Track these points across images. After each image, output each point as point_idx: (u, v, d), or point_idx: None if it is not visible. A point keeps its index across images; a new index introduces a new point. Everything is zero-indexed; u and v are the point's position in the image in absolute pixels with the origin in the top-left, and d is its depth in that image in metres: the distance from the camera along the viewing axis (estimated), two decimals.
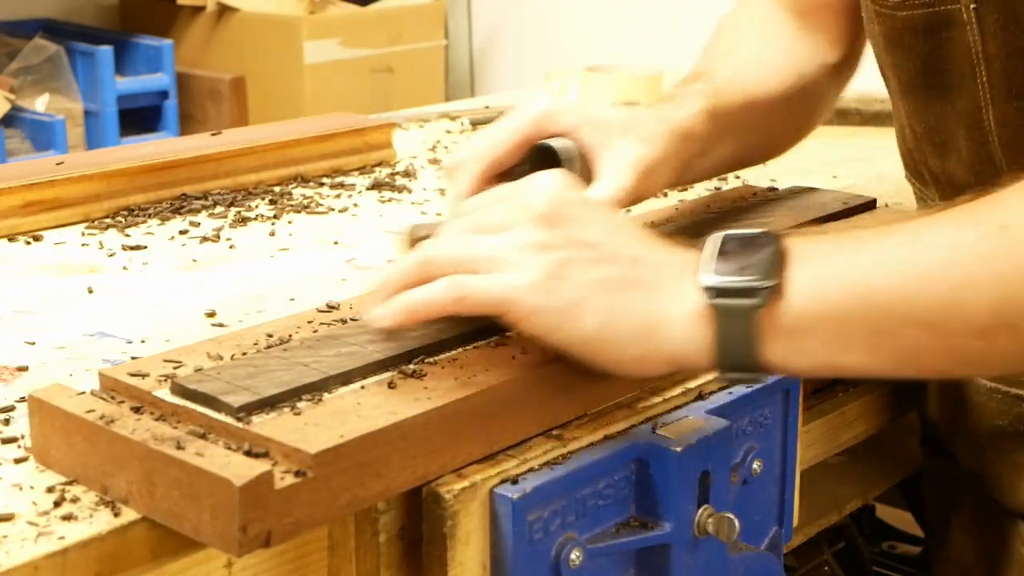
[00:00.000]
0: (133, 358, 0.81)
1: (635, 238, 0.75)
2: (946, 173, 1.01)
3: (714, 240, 0.74)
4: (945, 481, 1.14)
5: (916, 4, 0.95)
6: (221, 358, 0.75)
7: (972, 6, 0.91)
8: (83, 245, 1.10)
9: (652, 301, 0.72)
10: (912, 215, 0.79)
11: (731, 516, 0.78)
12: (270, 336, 0.79)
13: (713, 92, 1.01)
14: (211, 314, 0.93)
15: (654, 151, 0.94)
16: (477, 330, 0.79)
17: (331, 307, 0.83)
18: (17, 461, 0.70)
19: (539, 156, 0.92)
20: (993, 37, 0.91)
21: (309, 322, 0.81)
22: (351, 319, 0.82)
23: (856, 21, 1.10)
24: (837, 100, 1.20)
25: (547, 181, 0.77)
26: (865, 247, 0.72)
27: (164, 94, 3.20)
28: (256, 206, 1.22)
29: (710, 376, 0.85)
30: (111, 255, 1.07)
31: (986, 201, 0.72)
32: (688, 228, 1.01)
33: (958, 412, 1.08)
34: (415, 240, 0.86)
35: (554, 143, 0.92)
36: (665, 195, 1.28)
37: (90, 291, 0.98)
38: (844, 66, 1.15)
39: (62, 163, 1.20)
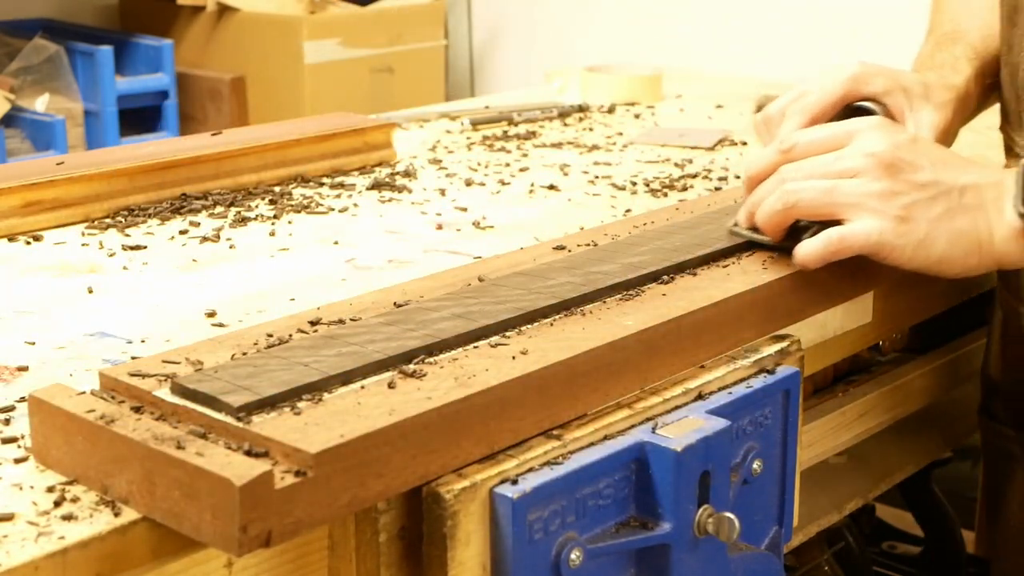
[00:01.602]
0: (133, 358, 0.81)
1: (959, 168, 0.92)
2: None
3: (1019, 172, 0.91)
4: (1003, 451, 1.22)
5: None
6: (221, 358, 0.75)
7: None
8: (83, 245, 1.10)
9: (980, 221, 0.91)
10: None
11: (731, 516, 0.78)
12: (270, 336, 0.79)
13: (975, 54, 1.14)
14: (211, 314, 0.93)
15: (946, 117, 1.06)
16: (477, 330, 0.79)
17: (313, 323, 0.82)
18: (17, 461, 0.70)
19: (853, 115, 1.02)
20: None
21: (309, 322, 0.81)
22: (351, 319, 0.82)
23: None
24: None
25: (881, 129, 0.92)
26: None
27: (164, 94, 3.20)
28: (256, 206, 1.22)
29: (710, 376, 0.85)
30: (111, 255, 1.07)
31: None
32: (689, 227, 1.01)
33: (1019, 364, 1.17)
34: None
35: (868, 106, 1.04)
36: (665, 195, 1.28)
37: (90, 291, 0.98)
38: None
39: (62, 163, 1.20)
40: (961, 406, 1.35)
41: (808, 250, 0.91)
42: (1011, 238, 0.91)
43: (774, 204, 0.92)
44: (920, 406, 1.30)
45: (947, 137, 1.07)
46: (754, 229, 0.97)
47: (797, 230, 0.94)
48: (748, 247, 0.97)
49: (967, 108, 1.12)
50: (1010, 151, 1.16)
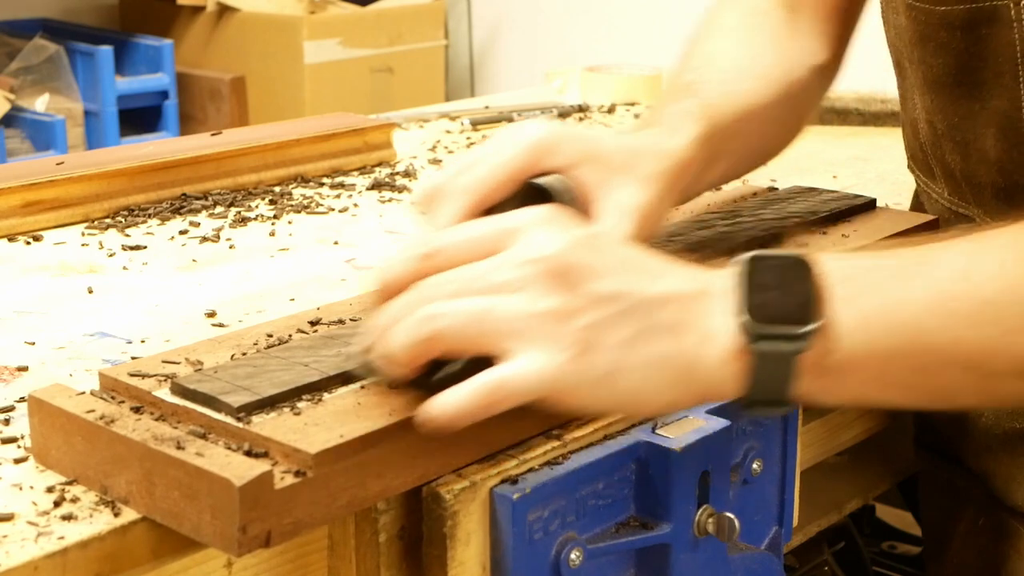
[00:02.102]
0: (133, 358, 0.81)
1: (653, 273, 0.70)
2: (966, 171, 0.99)
3: (744, 268, 0.69)
4: (944, 485, 1.13)
5: None
6: (221, 358, 0.75)
7: (1022, 2, 0.89)
8: (83, 245, 1.10)
9: (683, 344, 0.68)
10: (954, 234, 0.73)
11: (731, 516, 0.78)
12: (270, 336, 0.79)
13: (705, 113, 0.93)
14: (211, 314, 0.93)
15: (653, 194, 0.86)
16: None
17: (313, 323, 0.82)
18: (17, 461, 0.70)
19: (531, 192, 0.82)
20: None
21: (309, 322, 0.81)
22: (351, 319, 0.82)
23: (849, 19, 1.09)
24: (819, 106, 1.17)
25: (550, 224, 0.70)
26: (911, 279, 0.69)
27: (164, 94, 3.20)
28: (256, 206, 1.22)
29: None
30: (111, 255, 1.07)
31: None
32: (690, 227, 1.01)
33: (962, 414, 1.06)
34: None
35: (549, 182, 0.83)
36: None
37: (90, 291, 0.98)
38: (831, 67, 1.10)
39: (62, 163, 1.20)
40: None
41: (450, 404, 0.66)
42: (725, 362, 0.68)
43: (408, 334, 0.67)
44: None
45: (653, 219, 0.87)
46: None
47: (439, 364, 0.70)
48: (746, 247, 0.96)
49: (683, 178, 0.90)
50: (926, 195, 1.09)
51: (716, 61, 1.03)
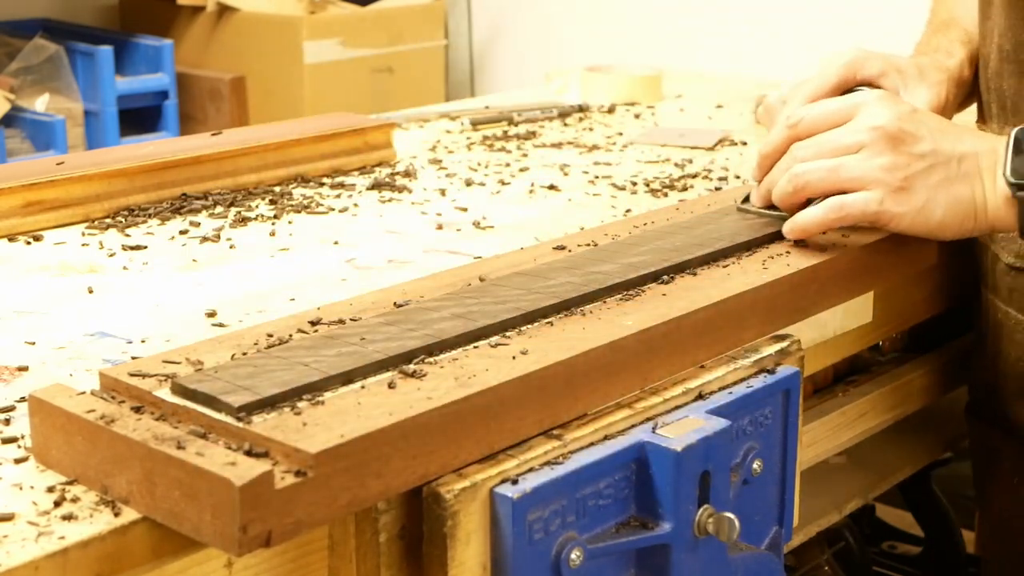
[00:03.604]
0: (133, 358, 0.81)
1: (956, 137, 0.97)
2: (1017, 98, 1.13)
3: (1009, 139, 0.96)
4: (988, 444, 1.24)
5: None
6: (221, 358, 0.75)
7: None
8: (83, 245, 1.10)
9: (976, 188, 0.96)
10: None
11: (731, 516, 0.78)
12: (270, 336, 0.79)
13: (969, 39, 1.19)
14: (211, 314, 0.93)
15: (940, 96, 1.11)
16: (477, 330, 0.79)
17: (313, 323, 0.82)
18: (17, 461, 0.70)
19: None
20: None
21: (310, 322, 0.81)
22: (351, 319, 0.82)
23: None
24: None
25: (883, 102, 0.98)
26: None
27: (164, 94, 3.20)
28: (256, 206, 1.22)
29: (710, 376, 0.85)
30: (111, 255, 1.07)
31: None
32: (689, 227, 1.01)
33: (1000, 360, 1.19)
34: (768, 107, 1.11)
35: (864, 89, 1.07)
36: (665, 195, 1.28)
37: (90, 291, 0.98)
38: None
39: (62, 163, 1.20)
40: (960, 406, 1.35)
41: (809, 216, 0.96)
42: (1003, 204, 0.96)
43: (784, 187, 0.98)
44: (920, 406, 1.30)
45: (945, 111, 1.12)
46: (770, 207, 1.02)
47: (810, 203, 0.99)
48: (747, 246, 0.97)
49: (961, 89, 1.17)
50: None
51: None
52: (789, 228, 0.98)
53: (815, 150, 0.97)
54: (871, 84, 1.08)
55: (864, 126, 0.96)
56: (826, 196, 0.97)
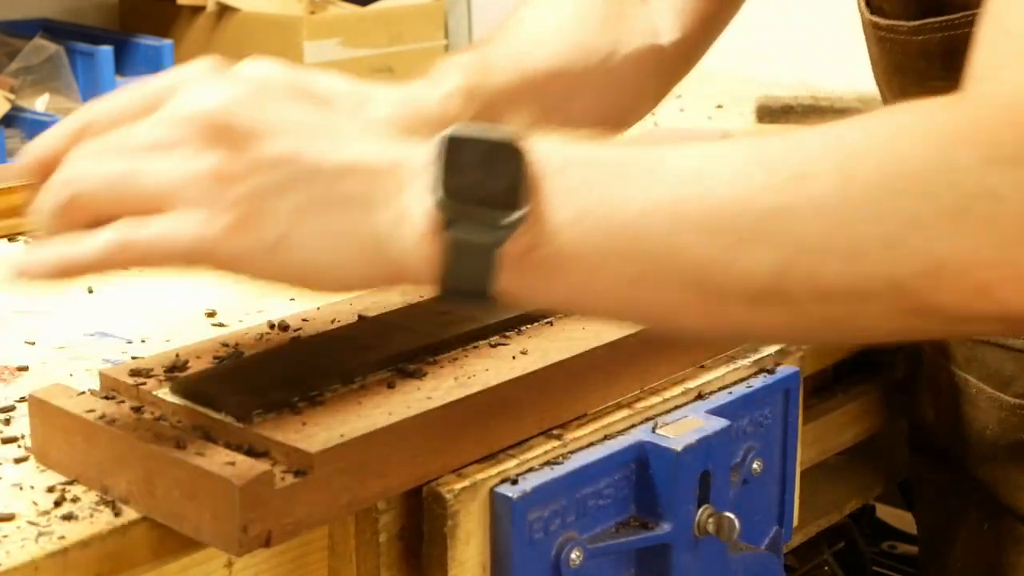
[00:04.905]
0: (133, 358, 0.81)
1: (336, 137, 0.61)
2: None
3: (441, 144, 0.59)
4: (942, 489, 1.11)
5: (933, 27, 0.89)
6: (221, 358, 0.75)
7: None
8: None
9: (368, 221, 0.60)
10: (697, 135, 0.68)
11: (731, 516, 0.78)
12: (269, 336, 0.79)
13: (482, 68, 0.85)
14: (211, 314, 0.93)
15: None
16: (477, 330, 0.79)
17: (283, 327, 0.80)
18: (17, 461, 0.70)
19: None
20: None
21: (304, 320, 0.81)
22: (351, 319, 0.82)
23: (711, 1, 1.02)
24: (672, 86, 1.08)
25: (211, 79, 0.63)
26: (639, 177, 0.60)
27: None
28: None
29: (710, 376, 0.85)
30: None
31: (786, 139, 0.60)
32: None
33: (961, 423, 1.04)
34: None
35: None
36: None
37: (90, 291, 0.98)
38: (685, 48, 1.03)
39: None
40: None
41: (71, 252, 0.62)
42: (418, 244, 0.59)
43: (49, 201, 0.64)
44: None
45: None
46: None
47: None
48: None
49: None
50: None
51: (522, 25, 0.94)
52: (20, 269, 0.64)
53: (99, 148, 0.63)
54: None
55: (177, 115, 0.62)
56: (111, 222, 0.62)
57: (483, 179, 0.59)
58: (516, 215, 0.58)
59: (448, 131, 0.59)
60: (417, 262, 0.60)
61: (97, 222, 0.61)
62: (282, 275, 0.62)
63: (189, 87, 0.63)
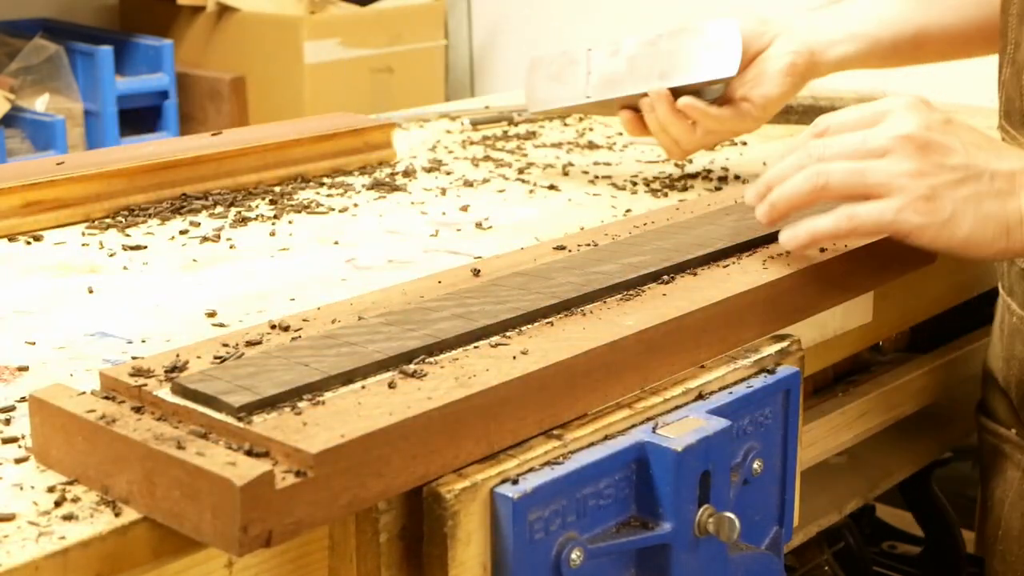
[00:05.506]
0: (133, 358, 0.81)
1: (992, 153, 0.92)
2: None
3: None
4: (994, 447, 1.22)
5: None
6: (221, 358, 0.75)
7: None
8: (83, 245, 1.10)
9: (1010, 206, 0.91)
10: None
11: (731, 516, 0.78)
12: (270, 336, 0.79)
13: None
14: (211, 314, 0.93)
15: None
16: (477, 330, 0.79)
17: (283, 327, 0.81)
18: (18, 461, 0.70)
19: None
20: None
21: (304, 320, 0.81)
22: (351, 319, 0.82)
23: None
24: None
25: (911, 110, 0.92)
26: None
27: (164, 94, 3.20)
28: (256, 206, 1.22)
29: (711, 376, 0.85)
30: (111, 255, 1.07)
31: None
32: (689, 227, 1.01)
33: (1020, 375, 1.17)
34: None
35: None
36: (665, 195, 1.28)
37: (90, 291, 0.98)
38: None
39: (62, 163, 1.20)
40: (961, 406, 1.35)
41: (817, 225, 0.91)
42: None
43: (801, 184, 0.91)
44: (920, 406, 1.30)
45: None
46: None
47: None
48: (747, 246, 0.97)
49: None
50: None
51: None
52: (791, 235, 0.92)
53: (838, 150, 0.91)
54: None
55: (891, 133, 0.90)
56: (840, 203, 0.91)
57: None
58: None
59: None
60: None
61: (824, 201, 0.92)
62: (946, 242, 0.90)
63: (897, 113, 0.92)
